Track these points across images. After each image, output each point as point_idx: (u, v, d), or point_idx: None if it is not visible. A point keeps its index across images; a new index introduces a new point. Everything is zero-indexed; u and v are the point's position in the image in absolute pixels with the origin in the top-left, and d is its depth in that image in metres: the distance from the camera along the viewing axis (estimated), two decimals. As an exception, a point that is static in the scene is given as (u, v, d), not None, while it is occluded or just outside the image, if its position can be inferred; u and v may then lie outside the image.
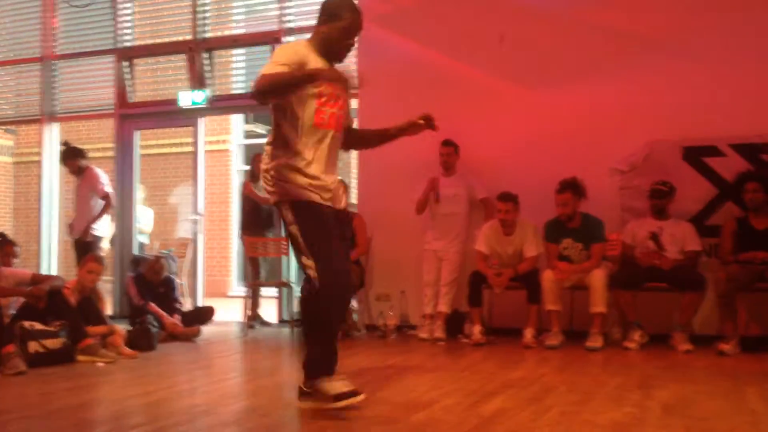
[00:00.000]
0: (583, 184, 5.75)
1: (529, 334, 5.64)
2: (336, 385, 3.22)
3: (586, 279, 5.62)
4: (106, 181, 7.23)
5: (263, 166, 3.37)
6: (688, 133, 5.96)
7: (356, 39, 3.41)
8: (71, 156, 7.27)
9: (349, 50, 3.39)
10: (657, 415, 3.24)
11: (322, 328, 3.28)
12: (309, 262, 3.19)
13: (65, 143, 7.49)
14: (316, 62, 3.25)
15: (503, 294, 5.86)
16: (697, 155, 6.00)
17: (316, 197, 3.25)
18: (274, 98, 3.23)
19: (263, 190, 7.24)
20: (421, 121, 3.50)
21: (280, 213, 3.33)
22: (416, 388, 3.90)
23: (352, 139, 3.57)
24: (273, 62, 3.19)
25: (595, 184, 5.85)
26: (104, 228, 7.27)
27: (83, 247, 6.90)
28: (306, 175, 3.23)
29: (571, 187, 5.72)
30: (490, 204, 6.19)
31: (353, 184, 7.97)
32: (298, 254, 3.27)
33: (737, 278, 5.26)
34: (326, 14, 3.33)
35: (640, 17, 6.19)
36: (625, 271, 5.66)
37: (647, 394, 3.70)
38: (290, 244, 3.37)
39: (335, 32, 3.31)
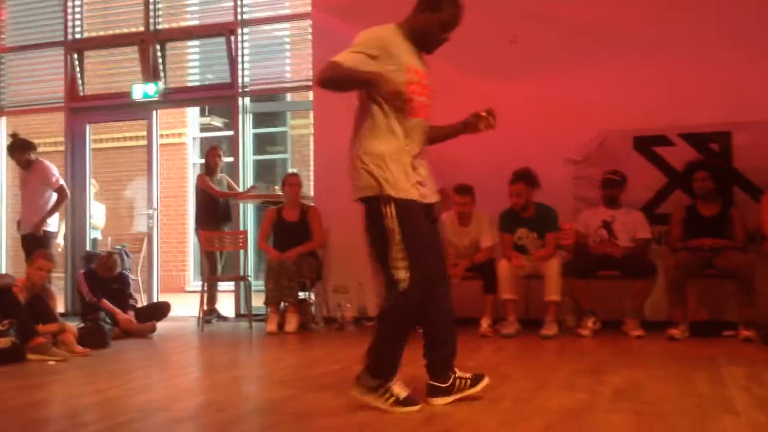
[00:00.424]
0: (536, 174, 5.81)
1: (485, 323, 5.70)
2: (399, 389, 3.12)
3: (541, 268, 5.69)
4: (57, 173, 7.03)
5: (360, 154, 3.13)
6: (639, 123, 6.09)
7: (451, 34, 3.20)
8: (19, 149, 6.98)
9: (441, 44, 3.19)
10: (608, 400, 3.29)
11: (400, 329, 3.13)
12: (400, 262, 3.05)
13: (14, 134, 7.24)
14: (405, 49, 3.10)
15: (459, 284, 5.89)
16: (647, 145, 6.13)
17: (414, 194, 3.10)
18: (335, 91, 3.05)
19: (215, 185, 7.31)
20: (483, 113, 3.26)
21: (370, 207, 3.15)
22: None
23: None
24: (349, 48, 2.99)
25: (548, 174, 5.93)
26: (55, 223, 7.09)
27: (34, 242, 6.71)
28: (404, 169, 3.09)
29: (524, 178, 5.78)
30: (445, 196, 6.21)
31: (310, 176, 7.93)
32: (385, 253, 3.11)
33: (686, 265, 5.38)
34: (426, 2, 3.15)
35: (591, 10, 6.28)
36: (579, 260, 5.75)
37: (599, 379, 3.76)
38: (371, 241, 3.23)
39: (432, 23, 3.14)
